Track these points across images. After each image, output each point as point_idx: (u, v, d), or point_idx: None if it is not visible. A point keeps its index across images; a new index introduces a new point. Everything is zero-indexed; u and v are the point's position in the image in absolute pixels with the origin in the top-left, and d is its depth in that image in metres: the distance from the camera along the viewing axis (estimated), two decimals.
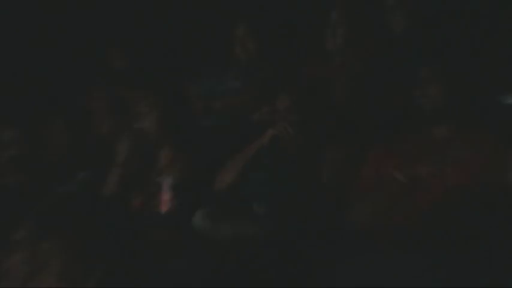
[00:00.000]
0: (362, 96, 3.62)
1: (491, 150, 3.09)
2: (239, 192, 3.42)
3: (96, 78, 4.55)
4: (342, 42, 3.88)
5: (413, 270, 2.79)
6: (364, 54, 3.82)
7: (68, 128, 4.08)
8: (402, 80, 3.48)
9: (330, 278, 2.94)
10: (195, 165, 3.51)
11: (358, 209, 3.12)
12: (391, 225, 3.01)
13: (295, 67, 3.99)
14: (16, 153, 3.88)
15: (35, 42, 4.82)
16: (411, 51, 3.70)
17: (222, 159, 3.48)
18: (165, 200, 3.26)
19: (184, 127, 3.64)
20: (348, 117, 3.50)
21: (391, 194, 3.10)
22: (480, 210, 2.92)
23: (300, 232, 3.15)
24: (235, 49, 4.20)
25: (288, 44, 4.26)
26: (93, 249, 2.11)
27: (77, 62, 4.72)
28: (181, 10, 4.81)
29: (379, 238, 2.99)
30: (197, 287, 2.92)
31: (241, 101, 3.89)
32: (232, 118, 3.82)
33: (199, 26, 4.69)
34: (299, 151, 3.38)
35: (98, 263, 2.10)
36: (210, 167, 3.49)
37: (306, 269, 3.02)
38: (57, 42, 4.84)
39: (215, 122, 3.95)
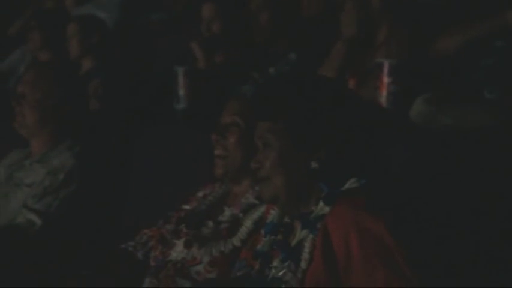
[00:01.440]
0: None
1: None
2: (468, 77, 3.12)
3: None
4: None
5: None
6: None
7: (273, 9, 3.88)
8: None
9: None
10: (416, 44, 3.29)
11: None
12: None
13: None
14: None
15: None
16: None
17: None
18: (386, 83, 3.00)
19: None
20: None
21: None
22: None
23: None
24: None
25: None
26: (306, 129, 2.10)
27: None
28: None
29: None
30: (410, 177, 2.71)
31: None
32: None
33: None
34: None
35: (317, 142, 2.10)
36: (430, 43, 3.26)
37: None
38: None
39: None
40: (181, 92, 3.48)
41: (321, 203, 2.11)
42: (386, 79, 3.03)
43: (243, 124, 2.59)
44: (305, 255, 2.07)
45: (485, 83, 3.07)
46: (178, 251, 2.55)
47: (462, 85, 3.20)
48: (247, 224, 2.51)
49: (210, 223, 2.58)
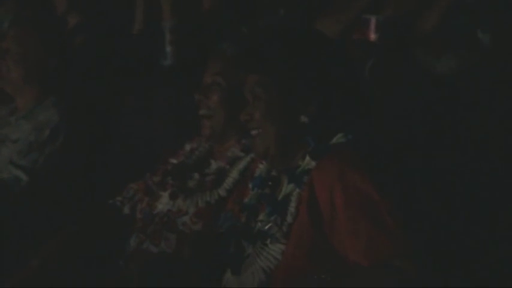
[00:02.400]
0: None
1: None
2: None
3: None
4: None
5: None
6: None
7: None
8: None
9: None
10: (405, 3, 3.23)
11: None
12: None
13: None
14: None
15: None
16: None
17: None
18: (373, 39, 2.99)
19: None
20: None
21: None
22: None
23: None
24: None
25: None
26: (295, 82, 2.11)
27: None
28: None
29: None
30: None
31: None
32: None
33: None
34: None
35: (306, 95, 2.11)
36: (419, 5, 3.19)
37: None
38: None
39: None
40: (168, 48, 3.45)
41: (308, 158, 2.11)
42: (373, 35, 3.02)
43: (224, 83, 2.59)
44: (291, 209, 2.08)
45: (477, 24, 3.05)
46: (164, 203, 2.57)
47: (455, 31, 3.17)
48: (233, 174, 2.52)
49: (196, 175, 2.60)
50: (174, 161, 2.72)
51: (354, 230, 2.00)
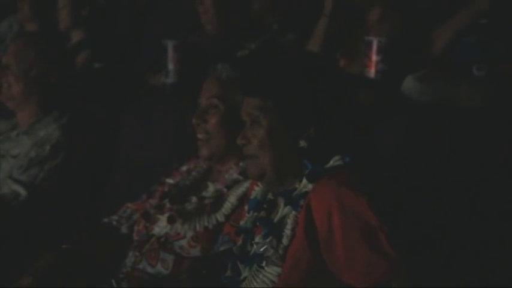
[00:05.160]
0: None
1: None
2: (454, 55, 3.11)
3: None
4: None
5: None
6: None
7: None
8: None
9: None
10: (407, 25, 3.27)
11: None
12: None
13: None
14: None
15: None
16: None
17: (436, 19, 3.22)
18: (374, 61, 2.99)
19: None
20: None
21: None
22: None
23: None
24: None
25: None
26: (296, 107, 2.09)
27: None
28: None
29: None
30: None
31: None
32: None
33: None
34: None
35: (306, 120, 2.09)
36: (423, 27, 3.23)
37: None
38: None
39: None
40: (171, 66, 3.44)
41: (304, 180, 2.10)
42: (374, 57, 3.01)
43: (222, 105, 2.56)
44: (287, 231, 2.07)
45: (473, 60, 3.06)
46: (161, 226, 2.55)
47: (452, 62, 3.19)
48: (231, 199, 2.50)
49: (194, 198, 2.57)
50: (171, 181, 2.70)
51: (351, 253, 1.99)
